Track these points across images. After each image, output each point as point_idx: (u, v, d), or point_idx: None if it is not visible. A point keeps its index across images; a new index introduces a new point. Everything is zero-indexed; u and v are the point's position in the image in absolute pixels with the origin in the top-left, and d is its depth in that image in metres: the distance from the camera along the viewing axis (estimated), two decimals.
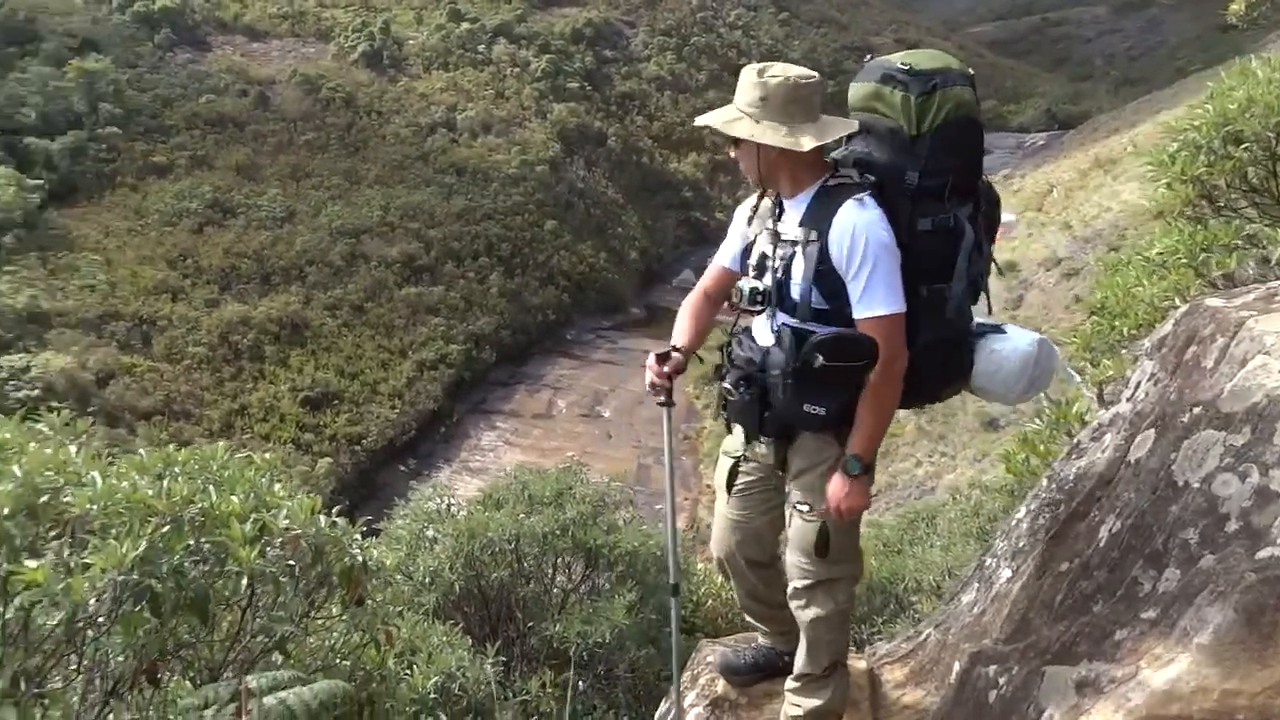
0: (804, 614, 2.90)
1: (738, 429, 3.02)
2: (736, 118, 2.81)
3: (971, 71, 2.78)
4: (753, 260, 2.88)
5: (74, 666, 2.63)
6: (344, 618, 3.14)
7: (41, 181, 40.09)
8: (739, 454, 3.04)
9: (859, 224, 2.61)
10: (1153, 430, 2.63)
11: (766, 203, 2.91)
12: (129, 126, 44.98)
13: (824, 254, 2.64)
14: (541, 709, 4.38)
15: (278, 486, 2.87)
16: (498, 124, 52.46)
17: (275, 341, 36.15)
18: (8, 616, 2.51)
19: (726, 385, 2.82)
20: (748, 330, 2.91)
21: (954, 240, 2.70)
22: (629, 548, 5.28)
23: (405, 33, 58.72)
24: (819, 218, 2.69)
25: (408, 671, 3.73)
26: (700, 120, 2.88)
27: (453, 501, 5.45)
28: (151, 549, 2.26)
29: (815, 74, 2.86)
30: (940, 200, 2.70)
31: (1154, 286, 3.88)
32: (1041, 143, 62.68)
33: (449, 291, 41.21)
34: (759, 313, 2.82)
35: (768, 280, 2.77)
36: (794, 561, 2.89)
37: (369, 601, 3.15)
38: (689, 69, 66.01)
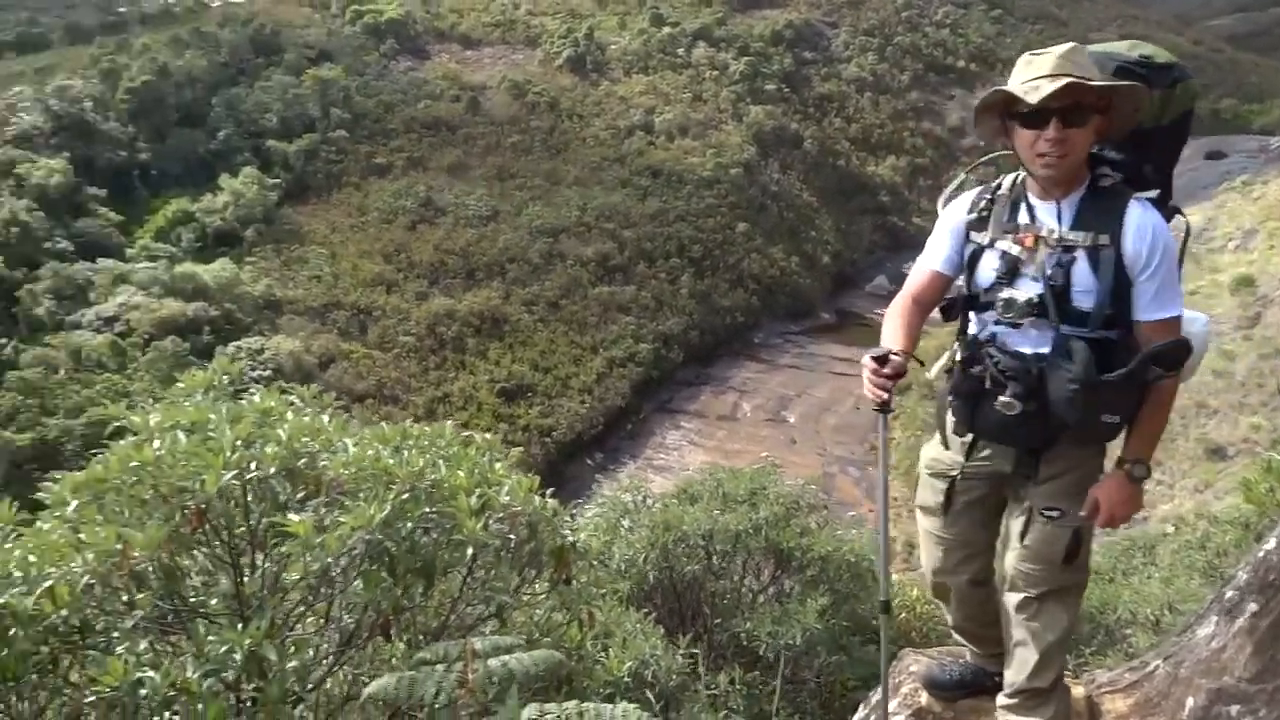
0: (1034, 624, 2.78)
1: (955, 441, 2.89)
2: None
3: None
4: (992, 266, 2.70)
5: (314, 617, 2.88)
6: (550, 595, 3.28)
7: (279, 181, 44.13)
8: (955, 471, 2.90)
9: (1154, 225, 2.53)
10: None
11: (998, 207, 2.73)
12: (355, 130, 48.69)
13: (1119, 258, 2.53)
14: (730, 704, 4.39)
15: (498, 465, 3.03)
16: (694, 126, 52.98)
17: (476, 334, 38.05)
18: (265, 567, 2.78)
19: (1006, 399, 2.61)
20: (994, 339, 2.71)
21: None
22: (822, 552, 5.20)
23: (608, 38, 60.38)
24: (1100, 219, 2.56)
25: (603, 654, 3.84)
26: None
27: (647, 495, 5.56)
28: (394, 513, 2.44)
29: None
30: (1167, 193, 2.72)
31: None
32: None
33: (640, 291, 42.00)
34: (1019, 323, 2.63)
35: (1036, 288, 2.60)
36: (1028, 570, 2.76)
37: (574, 582, 3.28)
38: (891, 69, 64.24)
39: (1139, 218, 2.53)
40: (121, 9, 66.42)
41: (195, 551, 2.61)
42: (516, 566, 3.11)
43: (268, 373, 29.14)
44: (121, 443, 2.48)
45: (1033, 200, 2.67)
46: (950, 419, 2.90)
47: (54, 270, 35.93)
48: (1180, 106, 2.69)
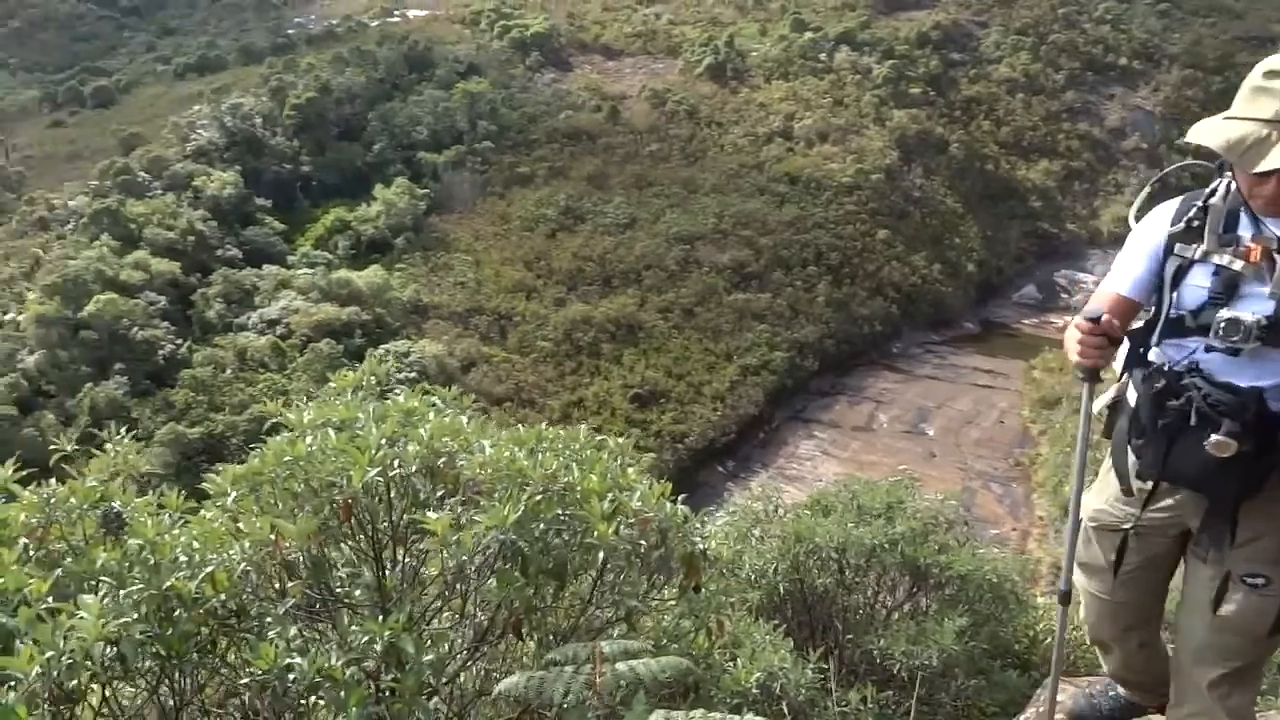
0: (1231, 702, 2.50)
1: (1138, 487, 2.54)
2: None
3: None
4: (1203, 284, 2.39)
5: (450, 613, 2.97)
6: (679, 602, 3.27)
7: (427, 191, 46.00)
8: (1129, 524, 2.58)
9: None
10: None
11: (1211, 217, 2.42)
12: (500, 141, 50.26)
13: None
14: None
15: (630, 470, 3.05)
16: (834, 132, 52.13)
17: (611, 340, 38.57)
18: (405, 561, 2.89)
19: (1220, 438, 2.26)
20: (1198, 368, 2.37)
21: None
22: (961, 571, 5.00)
23: (749, 45, 60.15)
24: None
25: (731, 664, 3.81)
26: None
27: (780, 504, 5.48)
28: (527, 515, 2.49)
29: None
30: None
31: None
32: None
33: (775, 299, 41.64)
34: (1239, 350, 2.30)
35: (1267, 307, 2.28)
36: (1224, 644, 2.47)
37: (704, 590, 3.26)
38: (1045, 69, 61.31)
39: None
40: (290, 31, 70.90)
41: (342, 544, 2.74)
42: (646, 572, 3.13)
43: (413, 375, 30.36)
44: (276, 438, 2.63)
45: (1259, 214, 2.37)
46: (1131, 461, 2.53)
47: (224, 276, 38.61)
48: None
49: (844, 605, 5.20)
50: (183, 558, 2.42)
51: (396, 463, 2.56)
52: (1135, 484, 2.52)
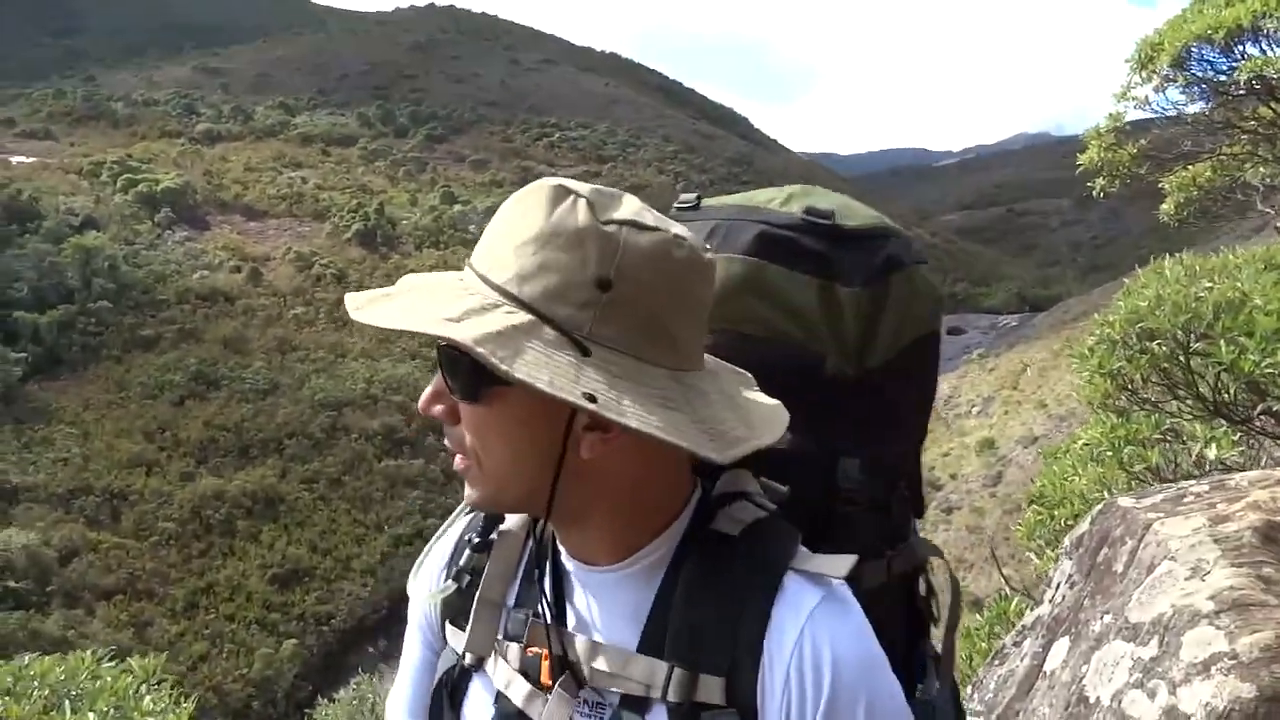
0: None
1: None
2: (500, 330, 0.84)
3: None
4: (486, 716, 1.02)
5: None
6: None
7: (25, 354, 40.43)
8: None
9: (838, 659, 0.85)
10: (1067, 638, 2.51)
11: (493, 567, 1.05)
12: (120, 301, 45.89)
13: None
14: None
15: (148, 699, 2.68)
16: None
17: (248, 516, 35.52)
18: None
19: None
20: None
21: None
22: None
23: (399, 213, 61.15)
24: (708, 633, 0.89)
25: None
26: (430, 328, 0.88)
27: (376, 701, 5.13)
28: None
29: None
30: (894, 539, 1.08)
31: (1084, 478, 3.85)
32: (1014, 324, 64.59)
33: (429, 465, 40.93)
34: None
35: None
36: None
37: None
38: None
39: (802, 637, 0.86)
40: None
41: None
42: None
43: None
44: None
45: (566, 559, 1.01)
46: None
47: None
48: (913, 314, 1.10)
49: None
50: None
51: None
52: None
